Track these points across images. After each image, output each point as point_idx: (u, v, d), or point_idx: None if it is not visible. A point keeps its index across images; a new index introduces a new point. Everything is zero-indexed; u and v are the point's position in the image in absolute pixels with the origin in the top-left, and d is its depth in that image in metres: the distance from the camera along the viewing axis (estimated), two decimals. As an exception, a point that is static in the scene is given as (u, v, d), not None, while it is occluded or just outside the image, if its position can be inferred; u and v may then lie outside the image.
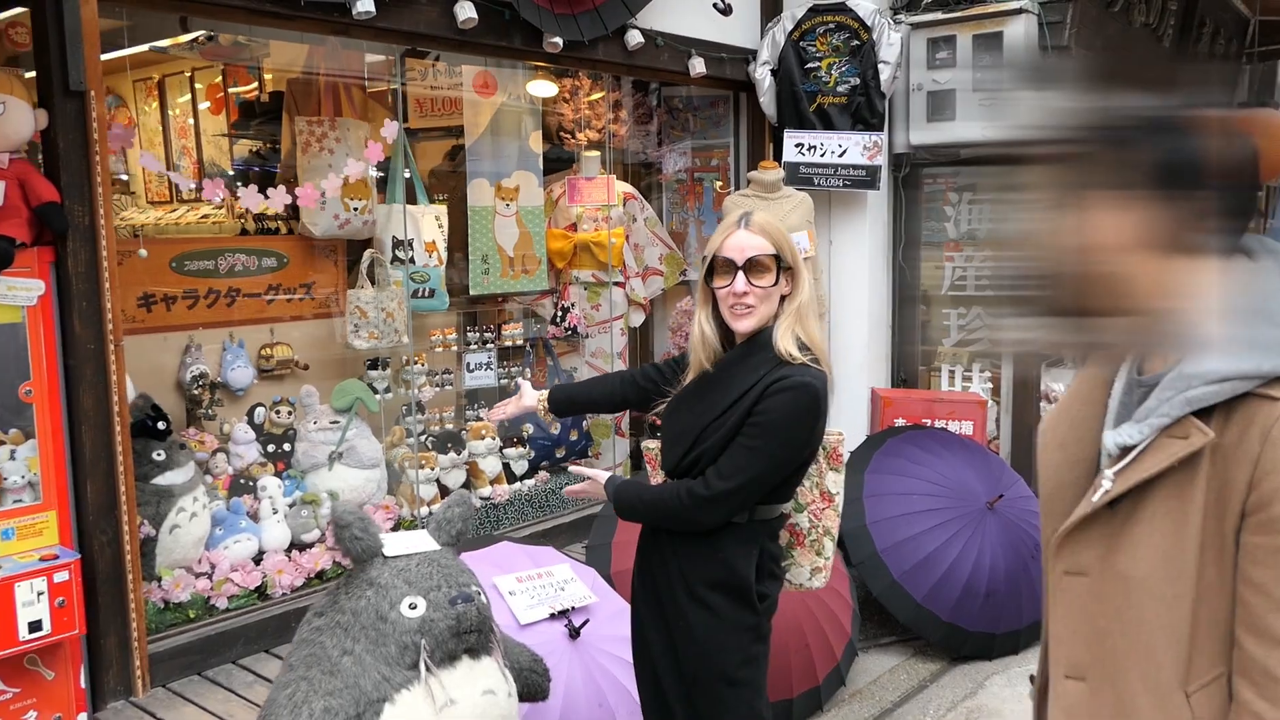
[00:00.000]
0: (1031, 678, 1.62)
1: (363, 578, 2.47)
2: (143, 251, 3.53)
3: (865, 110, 5.10)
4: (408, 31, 3.76)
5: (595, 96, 5.19)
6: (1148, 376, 1.38)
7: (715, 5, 4.78)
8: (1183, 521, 1.28)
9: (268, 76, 5.57)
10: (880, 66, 5.06)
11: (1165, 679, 1.31)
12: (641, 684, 2.67)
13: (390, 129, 3.91)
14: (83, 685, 3.09)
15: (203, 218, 5.45)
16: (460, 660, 2.42)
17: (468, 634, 2.41)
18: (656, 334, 5.88)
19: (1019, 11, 4.94)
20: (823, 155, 5.12)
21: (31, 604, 2.83)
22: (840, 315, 5.41)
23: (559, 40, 4.18)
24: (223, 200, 4.22)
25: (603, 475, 2.53)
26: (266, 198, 3.53)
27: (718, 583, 2.38)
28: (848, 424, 5.43)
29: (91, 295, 3.01)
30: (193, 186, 3.82)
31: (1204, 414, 1.28)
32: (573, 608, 3.35)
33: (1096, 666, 1.38)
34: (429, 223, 4.48)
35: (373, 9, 3.49)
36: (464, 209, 4.70)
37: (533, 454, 4.73)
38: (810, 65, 5.14)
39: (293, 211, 4.07)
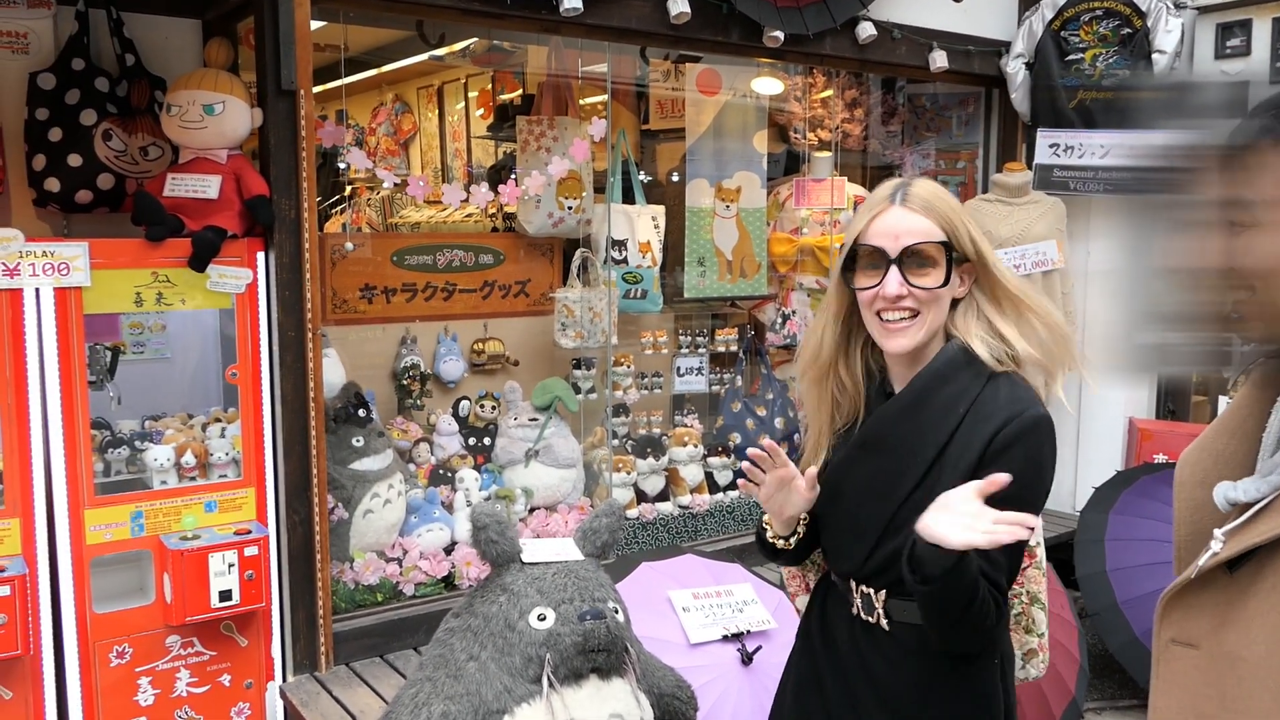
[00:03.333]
0: None
1: (498, 582, 2.42)
2: (349, 245, 3.69)
3: (1135, 106, 4.54)
4: (618, 28, 3.71)
5: (826, 94, 4.94)
6: None
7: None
8: None
9: (529, 81, 5.74)
10: (1155, 57, 4.49)
11: None
12: None
13: (598, 127, 3.88)
14: (273, 655, 3.26)
15: (467, 216, 5.73)
16: (587, 679, 2.31)
17: (595, 652, 2.29)
18: (888, 346, 5.53)
19: (1333, -12, 4.22)
20: (1081, 157, 4.61)
21: (223, 574, 3.00)
22: (1097, 334, 4.86)
23: (780, 34, 3.99)
24: (424, 196, 4.35)
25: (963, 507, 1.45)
26: (467, 195, 3.59)
27: None
28: (1096, 457, 4.87)
29: (294, 285, 3.16)
30: (396, 183, 3.94)
31: None
32: (749, 631, 3.17)
33: None
34: (644, 223, 4.42)
35: (580, 5, 3.46)
36: (683, 209, 4.61)
37: (739, 465, 4.55)
38: (1072, 57, 4.63)
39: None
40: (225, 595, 3.00)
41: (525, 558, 2.45)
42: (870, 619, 1.73)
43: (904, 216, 1.66)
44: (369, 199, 6.89)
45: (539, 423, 4.02)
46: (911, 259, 1.64)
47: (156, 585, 3.03)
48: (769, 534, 1.85)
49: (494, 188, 3.76)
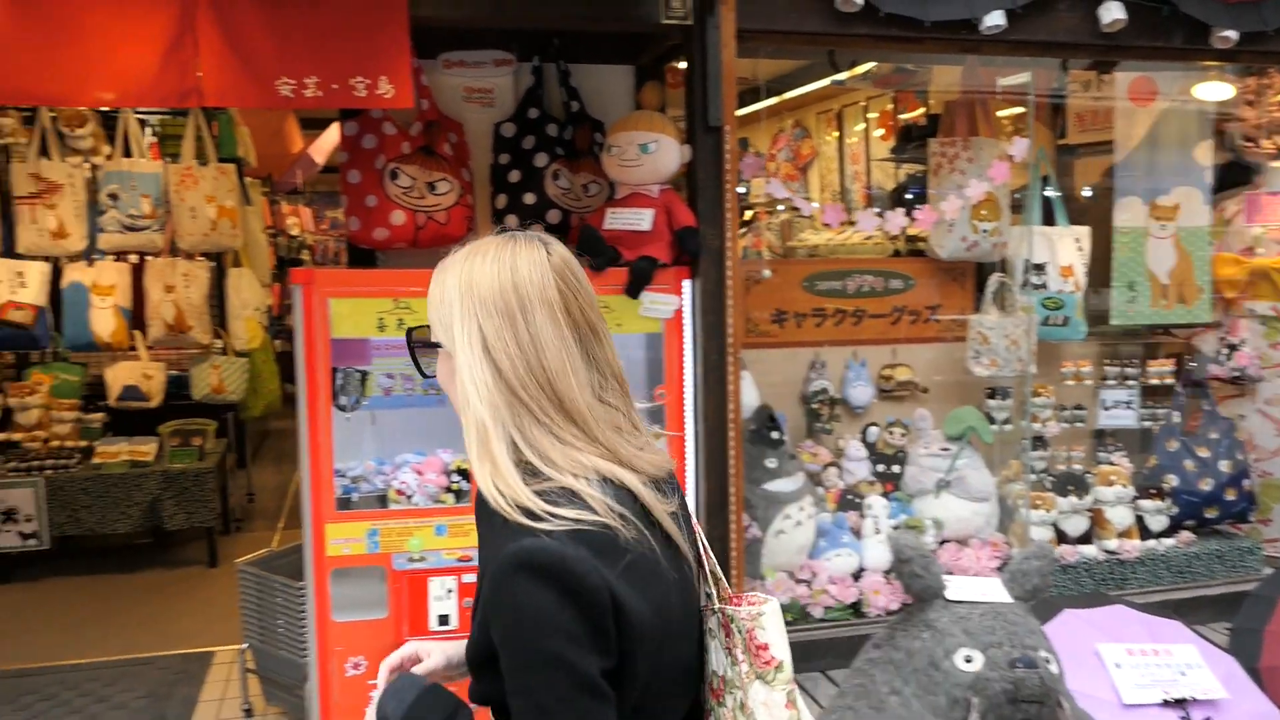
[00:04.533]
0: None
1: (920, 618, 2.37)
2: (766, 272, 3.80)
3: None
4: (1043, 42, 3.54)
5: (1288, 95, 4.37)
6: None
7: None
8: None
9: (932, 100, 5.65)
10: None
11: None
12: None
13: (1019, 147, 3.71)
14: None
15: (866, 239, 5.72)
16: (1016, 728, 2.19)
17: (1026, 703, 2.18)
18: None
19: None
20: None
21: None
22: None
23: (1232, 34, 3.60)
24: (841, 221, 4.37)
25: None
26: (881, 219, 3.58)
27: None
28: None
29: (716, 311, 3.31)
30: (814, 209, 4.00)
31: None
32: (1194, 699, 2.86)
33: None
34: (1066, 245, 4.16)
35: (1002, 22, 3.34)
36: (1110, 230, 4.29)
37: (1175, 509, 4.13)
38: None
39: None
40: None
41: (949, 594, 2.38)
42: None
43: None
44: (768, 223, 7.07)
45: (951, 453, 3.90)
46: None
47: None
48: None
49: (909, 212, 3.72)
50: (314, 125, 8.35)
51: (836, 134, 7.47)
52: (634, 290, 3.23)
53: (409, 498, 3.09)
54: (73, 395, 5.23)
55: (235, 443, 6.03)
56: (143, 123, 5.02)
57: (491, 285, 1.20)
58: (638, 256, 3.25)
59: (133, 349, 5.06)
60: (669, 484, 1.25)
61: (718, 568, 1.28)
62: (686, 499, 1.31)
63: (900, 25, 3.36)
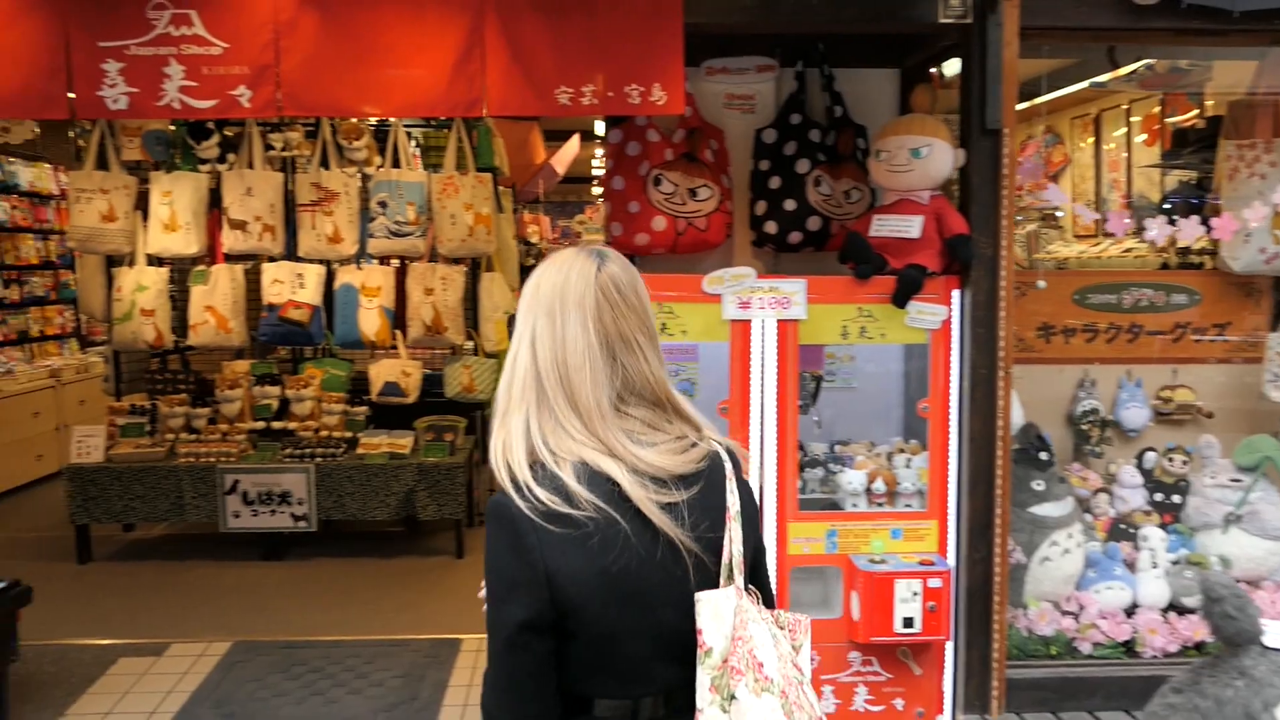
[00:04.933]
0: None
1: (1233, 664, 2.16)
2: (1041, 283, 3.59)
3: None
4: (1375, 30, 3.17)
5: None
6: None
7: None
8: None
9: (1209, 102, 5.22)
10: None
11: None
12: None
13: (1339, 148, 3.34)
14: (944, 689, 3.27)
15: (1125, 251, 5.32)
16: (1354, 796, 1.96)
17: (1368, 767, 1.94)
18: None
19: None
20: None
21: (907, 601, 3.08)
22: None
23: None
24: (1126, 234, 4.07)
25: None
26: (1174, 227, 3.31)
27: None
28: None
29: (988, 323, 3.15)
30: (1094, 219, 3.75)
31: None
32: None
33: None
34: (1386, 259, 3.72)
35: (1327, 9, 3.02)
36: None
37: None
38: None
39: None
40: (908, 622, 3.07)
41: (1267, 640, 2.16)
42: None
43: None
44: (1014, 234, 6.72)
45: (1243, 484, 3.56)
46: None
47: (844, 602, 3.20)
48: None
49: (1204, 220, 3.42)
50: (554, 137, 8.64)
51: (1092, 140, 7.03)
52: (901, 300, 3.12)
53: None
54: (340, 389, 5.60)
55: (480, 440, 6.29)
56: (408, 135, 5.31)
57: (548, 288, 1.43)
58: (905, 265, 3.14)
59: (394, 347, 5.36)
60: (680, 481, 1.38)
61: (735, 559, 1.39)
62: (726, 497, 1.42)
63: (1204, 17, 3.10)
